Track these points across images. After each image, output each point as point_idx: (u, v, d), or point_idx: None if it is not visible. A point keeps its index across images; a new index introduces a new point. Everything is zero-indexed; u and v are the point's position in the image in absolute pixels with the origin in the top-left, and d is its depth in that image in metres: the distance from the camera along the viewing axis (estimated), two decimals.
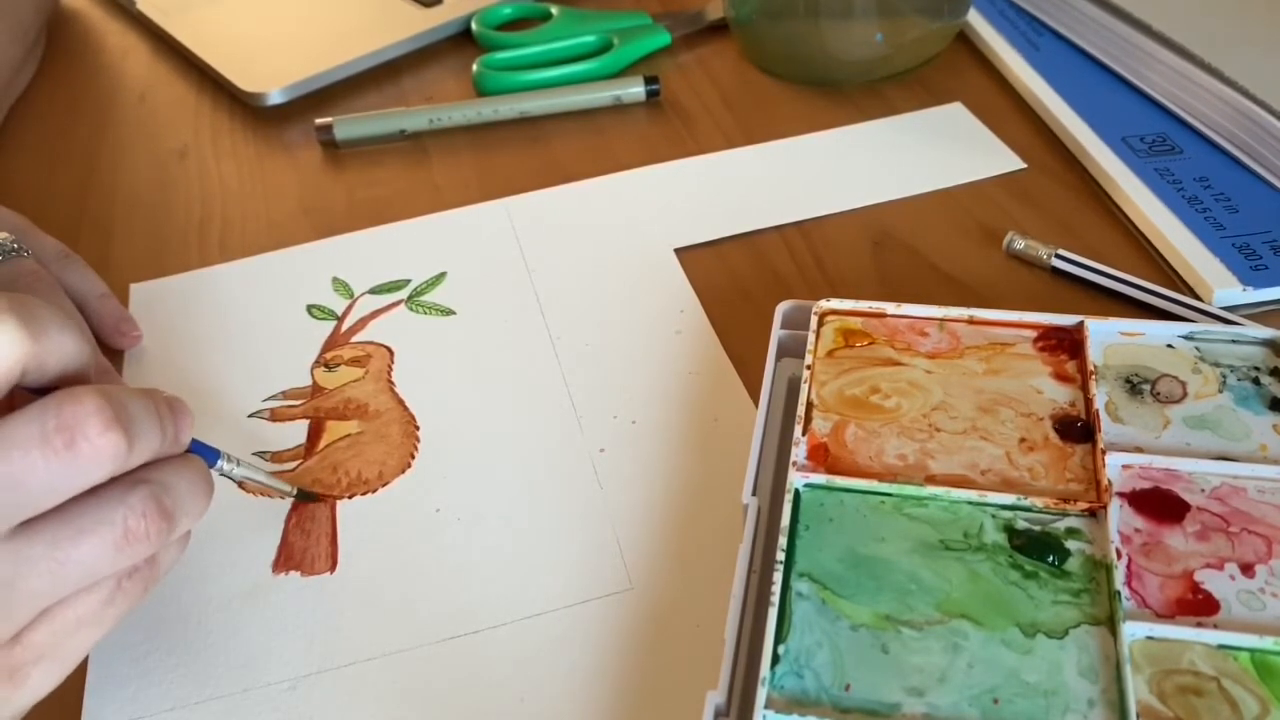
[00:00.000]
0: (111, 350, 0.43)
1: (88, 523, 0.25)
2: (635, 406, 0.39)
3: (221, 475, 0.33)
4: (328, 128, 0.54)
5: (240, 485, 0.38)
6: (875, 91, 0.54)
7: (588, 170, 0.51)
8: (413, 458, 0.38)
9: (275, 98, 0.57)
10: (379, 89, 0.59)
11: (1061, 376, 0.36)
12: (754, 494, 0.33)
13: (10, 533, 0.24)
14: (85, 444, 0.24)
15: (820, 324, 0.38)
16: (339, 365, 0.42)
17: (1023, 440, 0.34)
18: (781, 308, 0.39)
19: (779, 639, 0.29)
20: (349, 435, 0.39)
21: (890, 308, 0.38)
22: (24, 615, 0.25)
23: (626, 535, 0.35)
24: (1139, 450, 0.33)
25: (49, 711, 0.32)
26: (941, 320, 0.38)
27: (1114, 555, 0.30)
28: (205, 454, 0.31)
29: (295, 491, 0.36)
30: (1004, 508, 0.32)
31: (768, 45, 0.56)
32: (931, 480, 0.33)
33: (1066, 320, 0.37)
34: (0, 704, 0.26)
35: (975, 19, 0.57)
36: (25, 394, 0.27)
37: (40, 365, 0.26)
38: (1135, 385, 0.35)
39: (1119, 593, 0.29)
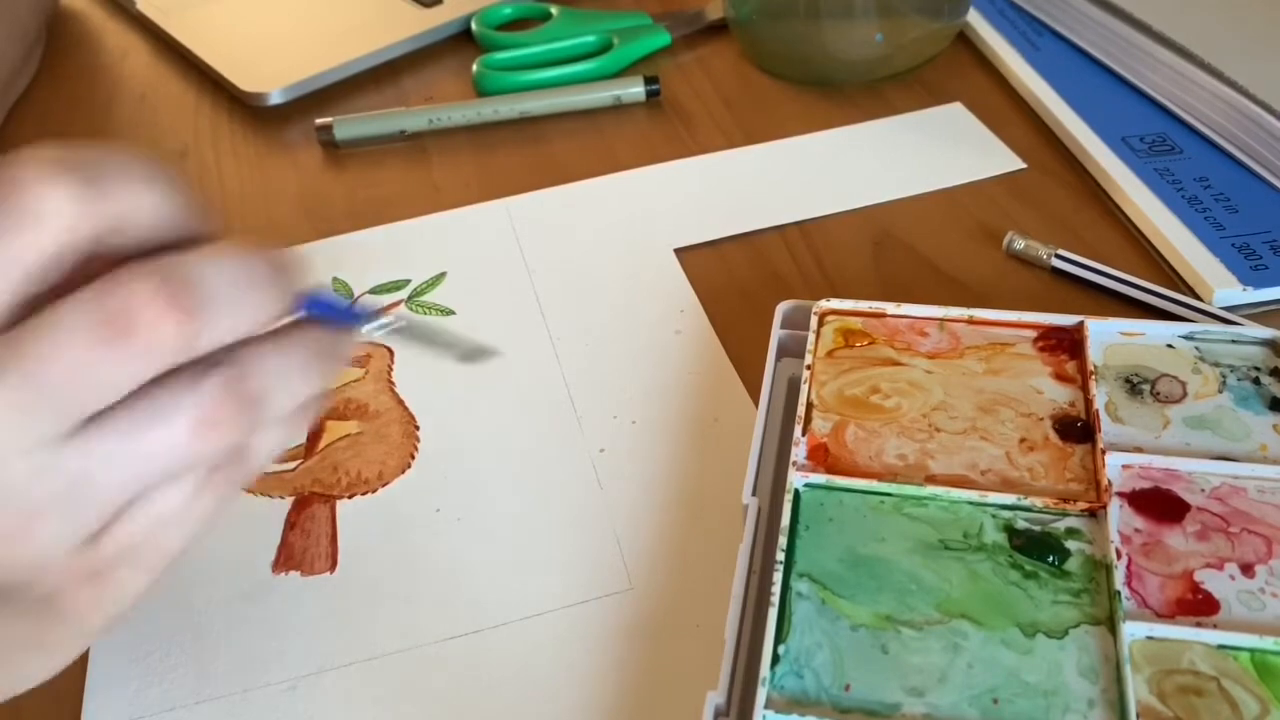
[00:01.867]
0: None
1: (160, 410, 0.23)
2: (635, 406, 0.39)
3: (378, 333, 0.28)
4: (328, 128, 0.54)
5: None
6: (875, 91, 0.54)
7: (588, 170, 0.51)
8: (413, 458, 0.38)
9: (275, 98, 0.57)
10: (379, 89, 0.59)
11: (1061, 376, 0.36)
12: (754, 494, 0.33)
13: (78, 427, 0.23)
14: (141, 331, 0.22)
15: (820, 324, 0.38)
16: None
17: (1023, 440, 0.34)
18: (781, 308, 0.39)
19: (779, 639, 0.29)
20: (349, 435, 0.39)
21: (890, 308, 0.38)
22: (104, 511, 0.24)
23: (626, 535, 0.35)
24: (1139, 450, 0.33)
25: (49, 711, 0.32)
26: (941, 320, 0.38)
27: (1114, 555, 0.30)
28: (344, 316, 0.27)
29: (472, 349, 0.31)
30: (1004, 508, 0.32)
31: (768, 45, 0.56)
32: (931, 480, 0.33)
33: (1066, 320, 0.37)
34: (90, 608, 0.25)
35: (975, 19, 0.57)
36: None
37: (118, 228, 0.23)
38: (1135, 385, 0.35)
39: (1119, 593, 0.29)
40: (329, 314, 0.26)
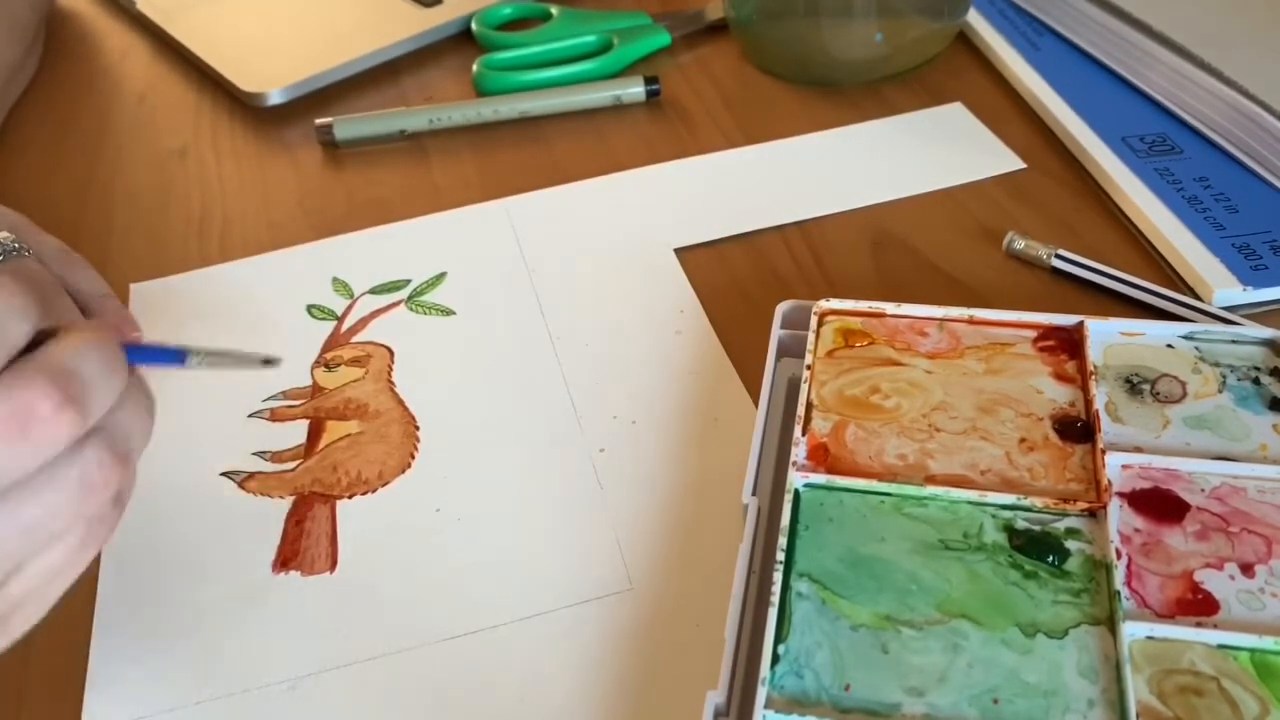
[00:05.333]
0: None
1: (44, 485, 0.26)
2: (635, 406, 0.39)
3: (193, 369, 0.32)
4: (328, 128, 0.54)
5: (240, 485, 0.38)
6: (875, 91, 0.54)
7: (588, 170, 0.51)
8: (413, 458, 0.38)
9: (275, 98, 0.57)
10: (379, 89, 0.59)
11: (1061, 376, 0.36)
12: (754, 494, 0.33)
13: None
14: (38, 427, 0.24)
15: (820, 324, 0.38)
16: (339, 365, 0.42)
17: (1023, 440, 0.34)
18: (781, 308, 0.39)
19: (779, 639, 0.29)
20: (349, 435, 0.39)
21: (890, 308, 0.38)
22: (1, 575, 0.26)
23: (626, 535, 0.35)
24: (1139, 450, 0.33)
25: (49, 710, 0.32)
26: (941, 320, 0.38)
27: (1114, 555, 0.30)
28: (168, 357, 0.30)
29: (261, 359, 0.34)
30: (1004, 508, 0.32)
31: (768, 45, 0.56)
32: (931, 480, 0.33)
33: (1066, 320, 0.37)
34: None
35: (975, 19, 0.57)
36: None
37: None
38: (1135, 385, 0.35)
39: (1119, 593, 0.29)
40: (145, 359, 0.30)
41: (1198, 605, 0.29)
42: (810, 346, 0.37)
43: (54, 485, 0.26)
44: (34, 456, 0.25)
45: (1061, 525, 0.31)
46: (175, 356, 0.31)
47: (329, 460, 0.38)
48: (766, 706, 0.27)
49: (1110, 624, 0.29)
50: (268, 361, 0.34)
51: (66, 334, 0.27)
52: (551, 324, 0.43)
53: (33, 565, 0.27)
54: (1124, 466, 0.33)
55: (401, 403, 0.40)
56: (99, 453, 0.27)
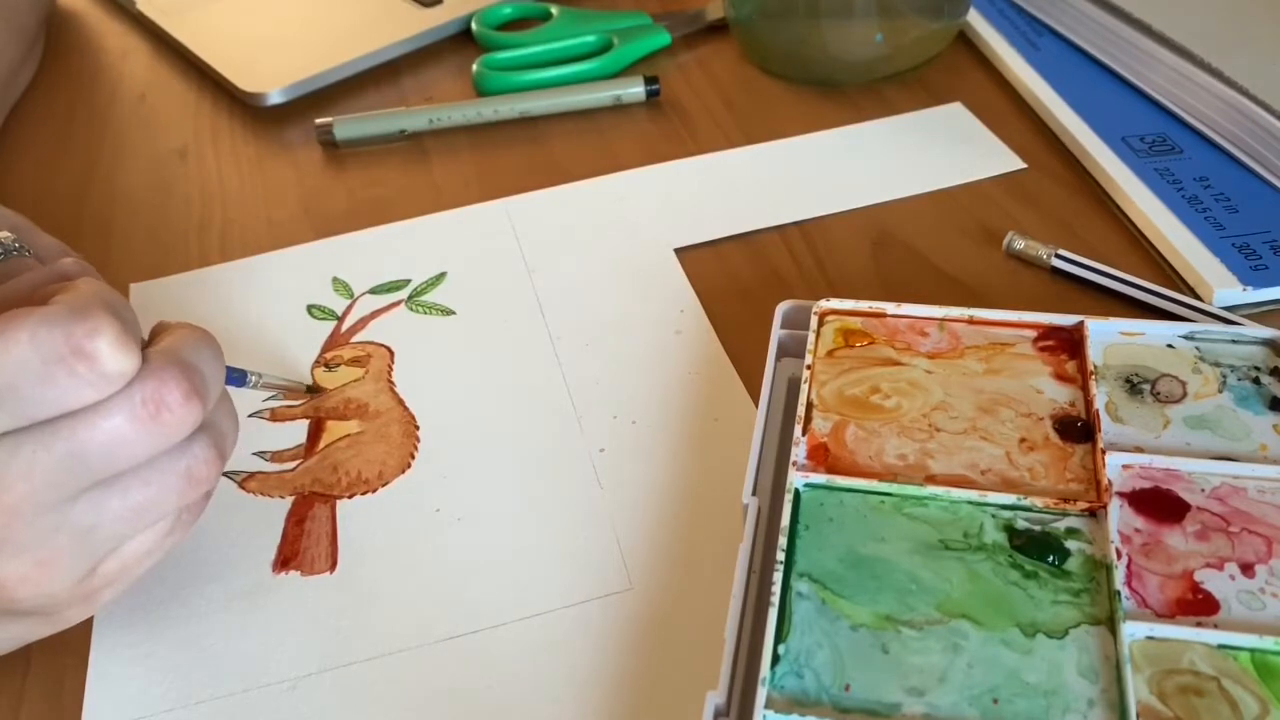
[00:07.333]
0: None
1: (156, 473, 0.28)
2: (635, 406, 0.39)
3: (250, 389, 0.36)
4: (328, 128, 0.54)
5: (240, 485, 0.38)
6: (875, 91, 0.54)
7: (588, 170, 0.51)
8: (413, 458, 0.38)
9: (275, 98, 0.57)
10: (379, 89, 0.59)
11: (1061, 376, 0.36)
12: (754, 494, 0.33)
13: (92, 486, 0.27)
14: (167, 415, 0.27)
15: (820, 324, 0.38)
16: (339, 365, 0.42)
17: (1023, 440, 0.34)
18: (781, 308, 0.39)
19: (779, 639, 0.29)
20: (349, 435, 0.39)
21: (890, 308, 0.38)
22: (101, 554, 0.28)
23: (626, 535, 0.35)
24: (1139, 450, 0.33)
25: (50, 711, 0.32)
26: (941, 320, 0.38)
27: (1114, 555, 0.30)
28: (234, 376, 0.33)
29: (307, 387, 0.40)
30: (1004, 508, 0.32)
31: (768, 45, 0.56)
32: (931, 480, 0.33)
33: (1066, 320, 0.37)
34: (74, 618, 0.30)
35: (975, 19, 0.57)
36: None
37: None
38: (1135, 385, 0.35)
39: (1119, 592, 0.29)
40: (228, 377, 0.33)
41: (1198, 605, 0.29)
42: (810, 346, 0.37)
43: (164, 473, 0.28)
44: (159, 442, 0.27)
45: (1061, 525, 0.31)
46: (236, 377, 0.34)
47: (329, 460, 0.38)
48: (766, 706, 0.27)
49: (1110, 624, 0.29)
50: (311, 389, 0.40)
51: (178, 328, 0.30)
52: (551, 324, 0.43)
53: (129, 546, 0.29)
54: (1124, 466, 0.33)
55: (401, 402, 0.40)
56: (204, 449, 0.29)
